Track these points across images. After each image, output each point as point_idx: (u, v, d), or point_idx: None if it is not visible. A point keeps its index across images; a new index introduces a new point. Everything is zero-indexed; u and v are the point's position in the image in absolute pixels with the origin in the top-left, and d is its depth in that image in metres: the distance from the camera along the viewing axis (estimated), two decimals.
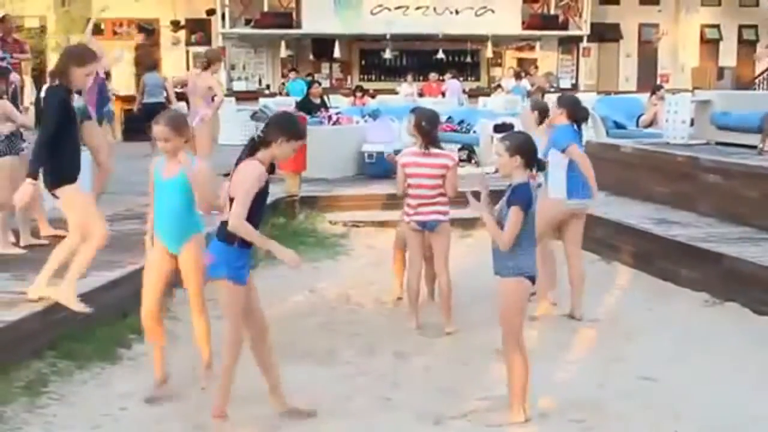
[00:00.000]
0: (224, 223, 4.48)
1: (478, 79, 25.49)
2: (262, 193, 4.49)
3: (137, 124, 18.06)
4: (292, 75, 19.51)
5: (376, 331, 6.54)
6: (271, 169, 4.59)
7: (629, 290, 7.74)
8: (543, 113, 7.17)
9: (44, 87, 8.78)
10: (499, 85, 21.87)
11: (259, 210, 4.50)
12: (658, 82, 21.16)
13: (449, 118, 13.84)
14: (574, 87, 23.82)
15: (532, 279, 4.78)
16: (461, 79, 24.41)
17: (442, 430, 4.80)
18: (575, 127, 6.86)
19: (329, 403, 5.11)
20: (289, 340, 6.25)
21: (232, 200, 4.45)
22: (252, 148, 4.54)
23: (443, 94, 19.92)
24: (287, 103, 17.36)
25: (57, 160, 5.56)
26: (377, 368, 5.76)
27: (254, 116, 15.82)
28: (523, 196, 4.62)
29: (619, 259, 8.56)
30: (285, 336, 6.33)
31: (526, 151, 4.68)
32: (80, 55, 5.63)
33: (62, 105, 5.55)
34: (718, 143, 10.94)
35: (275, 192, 10.96)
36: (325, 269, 8.49)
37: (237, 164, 4.57)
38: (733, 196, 8.71)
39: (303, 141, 4.66)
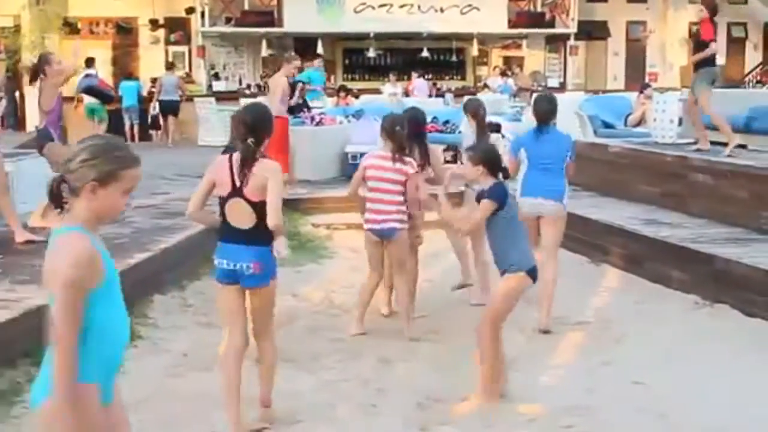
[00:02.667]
0: (257, 228, 4.44)
1: (463, 78, 25.38)
2: None
3: (118, 126, 17.95)
4: (316, 62, 18.86)
5: (359, 335, 6.42)
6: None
7: (619, 292, 7.65)
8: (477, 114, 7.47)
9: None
10: (485, 85, 21.80)
11: None
12: (647, 80, 21.08)
13: (434, 118, 13.74)
14: (562, 86, 23.74)
15: (534, 272, 5.05)
16: (446, 77, 24.38)
17: None
18: (540, 128, 6.81)
19: (313, 409, 5.04)
20: None
21: (257, 203, 4.42)
22: (252, 151, 4.48)
23: (407, 94, 19.79)
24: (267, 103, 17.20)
25: None
26: (361, 374, 5.66)
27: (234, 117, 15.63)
28: (495, 193, 5.01)
29: (607, 260, 8.47)
30: None
31: (488, 160, 5.12)
32: None
33: None
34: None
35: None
36: (308, 273, 8.37)
37: (242, 167, 4.48)
38: (722, 196, 8.63)
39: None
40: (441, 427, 4.81)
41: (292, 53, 12.73)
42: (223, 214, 4.55)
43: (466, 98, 8.75)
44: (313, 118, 13.50)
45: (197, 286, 7.66)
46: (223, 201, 4.54)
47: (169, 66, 20.41)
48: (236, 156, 4.51)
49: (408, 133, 6.43)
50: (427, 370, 5.75)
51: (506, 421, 4.85)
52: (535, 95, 10.97)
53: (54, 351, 2.55)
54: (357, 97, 19.00)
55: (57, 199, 2.71)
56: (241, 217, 4.48)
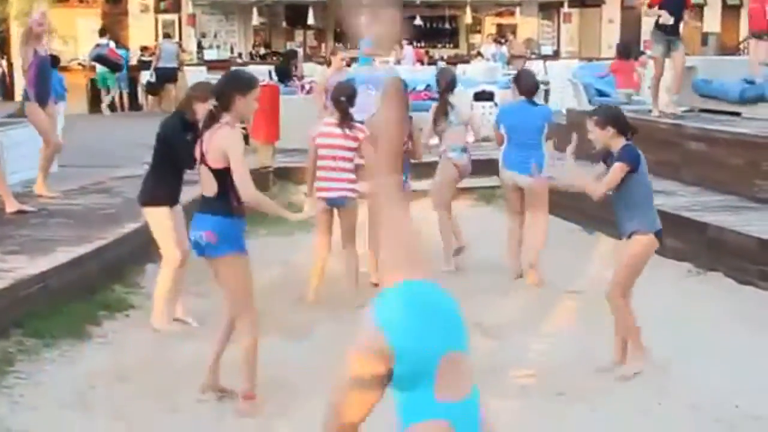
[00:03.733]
0: (218, 197, 4.37)
1: (457, 46, 25.21)
2: None
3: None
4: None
5: (351, 303, 6.40)
6: None
7: (612, 261, 7.62)
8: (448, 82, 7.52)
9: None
10: (478, 52, 21.65)
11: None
12: (641, 48, 20.96)
13: (428, 86, 13.65)
14: (556, 54, 23.62)
15: (660, 234, 5.01)
16: (439, 45, 24.20)
17: None
18: (528, 101, 7.11)
19: (305, 377, 5.02)
20: (262, 314, 6.11)
21: (218, 170, 4.34)
22: (212, 118, 4.43)
23: (399, 63, 19.66)
24: (261, 73, 17.08)
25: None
26: (353, 340, 5.62)
27: None
28: (629, 155, 4.90)
29: (601, 229, 8.44)
30: (259, 310, 6.21)
31: (616, 121, 4.99)
32: None
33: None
34: (701, 110, 10.82)
35: (248, 163, 10.81)
36: (300, 242, 8.32)
37: (199, 136, 4.45)
38: (717, 164, 8.61)
39: (258, 88, 4.54)
40: None
41: (338, 45, 12.50)
42: None
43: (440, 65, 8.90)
44: (303, 87, 13.41)
45: (191, 255, 7.63)
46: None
47: (167, 35, 20.48)
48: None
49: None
50: None
51: (499, 387, 4.85)
52: (531, 63, 10.97)
53: None
54: (349, 65, 18.85)
55: None
56: (205, 184, 4.44)
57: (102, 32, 18.85)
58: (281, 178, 10.37)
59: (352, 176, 6.36)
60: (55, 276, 5.84)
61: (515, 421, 4.49)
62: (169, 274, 5.78)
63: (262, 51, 23.21)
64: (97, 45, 18.23)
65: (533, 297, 6.52)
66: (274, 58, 21.58)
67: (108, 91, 18.39)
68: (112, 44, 18.89)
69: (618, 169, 4.90)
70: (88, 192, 8.50)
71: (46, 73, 8.23)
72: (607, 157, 5.07)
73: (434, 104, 7.55)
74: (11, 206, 7.65)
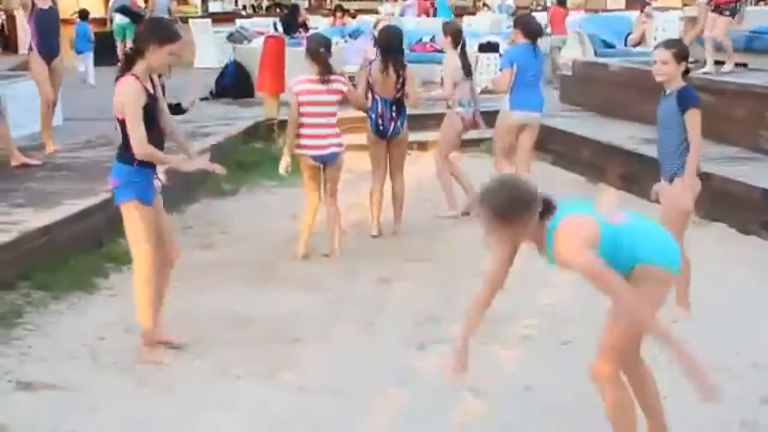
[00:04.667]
0: (122, 145, 4.36)
1: None
2: (150, 108, 4.35)
3: (108, 48, 17.80)
4: None
5: (358, 256, 6.45)
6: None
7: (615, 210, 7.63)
8: (456, 36, 7.49)
9: None
10: (484, 4, 21.45)
11: (153, 127, 4.36)
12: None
13: (433, 38, 13.56)
14: (561, 4, 23.31)
15: (701, 177, 4.95)
16: None
17: (427, 355, 4.74)
18: (532, 44, 7.29)
19: (312, 328, 5.08)
20: (270, 266, 6.20)
21: (120, 120, 4.31)
22: (128, 62, 4.35)
23: (403, 14, 19.51)
24: (265, 24, 16.98)
25: None
26: (360, 293, 5.70)
27: (231, 37, 15.45)
28: (695, 98, 4.81)
29: (605, 180, 8.45)
30: (266, 262, 6.28)
31: (687, 57, 4.90)
32: None
33: None
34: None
35: (253, 115, 10.81)
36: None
37: (115, 81, 4.39)
38: (721, 116, 8.54)
39: (176, 44, 4.38)
40: (438, 345, 4.84)
41: None
42: None
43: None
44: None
45: (196, 208, 7.68)
46: None
47: None
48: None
49: (380, 50, 6.75)
50: (424, 289, 5.78)
51: (504, 336, 4.89)
52: (536, 15, 10.89)
53: None
54: (354, 17, 18.71)
55: None
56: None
57: None
58: (285, 130, 10.34)
59: (338, 130, 6.35)
60: (62, 229, 5.86)
61: (519, 369, 4.56)
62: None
63: (266, 3, 23.02)
64: None
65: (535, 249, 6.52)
66: (277, 10, 21.43)
67: (125, 43, 18.32)
68: None
69: (696, 114, 4.81)
70: (93, 145, 8.50)
71: (48, 26, 8.17)
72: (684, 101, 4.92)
73: (450, 58, 7.41)
74: (16, 160, 7.67)
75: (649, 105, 9.54)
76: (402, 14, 19.62)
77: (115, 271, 5.97)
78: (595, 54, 13.48)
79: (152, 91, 4.39)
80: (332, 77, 6.25)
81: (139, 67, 4.32)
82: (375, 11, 20.21)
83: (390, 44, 6.80)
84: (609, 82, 10.59)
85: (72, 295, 5.49)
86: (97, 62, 15.97)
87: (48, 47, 8.16)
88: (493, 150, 7.81)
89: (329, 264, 6.31)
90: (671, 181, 4.99)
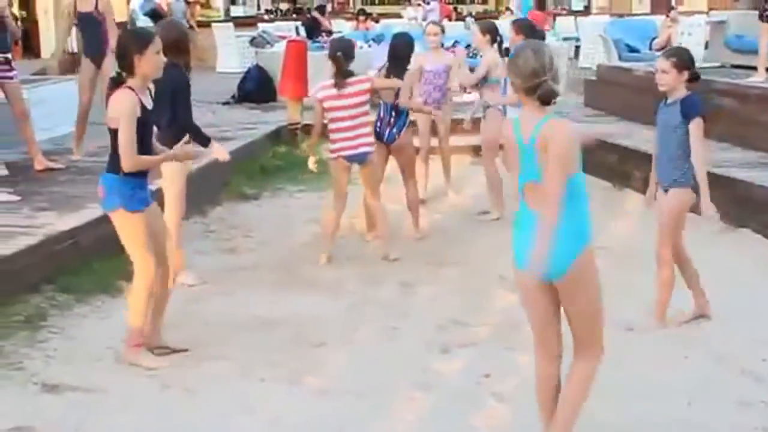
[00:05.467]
0: (112, 156, 4.37)
1: (485, 2, 24.94)
2: (145, 121, 4.36)
3: None
4: None
5: (381, 260, 6.43)
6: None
7: (641, 217, 7.55)
8: (493, 35, 7.36)
9: None
10: (507, 8, 21.40)
11: (145, 138, 4.39)
12: (673, 3, 20.59)
13: (455, 42, 13.53)
14: (586, 9, 23.26)
15: (696, 189, 4.86)
16: (468, 1, 23.91)
17: (450, 359, 4.73)
18: None
19: (336, 333, 5.08)
20: (293, 270, 6.20)
21: (112, 131, 4.31)
22: (116, 84, 4.36)
23: (425, 18, 19.49)
24: (287, 28, 17.03)
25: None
26: (383, 298, 5.69)
27: (253, 42, 15.50)
28: (699, 107, 4.75)
29: (630, 185, 8.38)
30: (289, 266, 6.29)
31: (691, 65, 4.81)
32: None
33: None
34: (733, 66, 10.65)
35: (276, 120, 10.84)
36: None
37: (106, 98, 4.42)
38: (747, 121, 8.48)
39: (155, 42, 4.37)
40: (462, 349, 4.84)
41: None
42: None
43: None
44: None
45: (218, 212, 7.70)
46: None
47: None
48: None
49: (388, 57, 6.72)
50: (448, 293, 5.77)
51: (523, 342, 4.85)
52: (562, 19, 10.82)
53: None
54: (377, 21, 18.73)
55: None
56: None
57: None
58: (309, 134, 10.35)
59: (367, 129, 6.33)
60: (86, 232, 5.89)
61: None
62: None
63: (285, 7, 23.08)
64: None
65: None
66: (294, 15, 21.52)
67: None
68: None
69: (701, 124, 4.75)
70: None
71: (86, 28, 8.22)
72: (658, 106, 4.93)
73: (491, 56, 7.33)
74: (40, 164, 7.74)
75: None
76: (424, 19, 19.61)
77: None
78: (620, 58, 13.41)
79: (148, 106, 4.40)
80: (351, 80, 6.23)
81: (134, 81, 4.33)
82: (398, 15, 20.21)
83: (394, 51, 6.82)
84: (634, 87, 10.52)
85: (96, 298, 5.51)
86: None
87: (87, 48, 8.21)
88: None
89: (352, 268, 6.30)
90: (667, 191, 4.93)
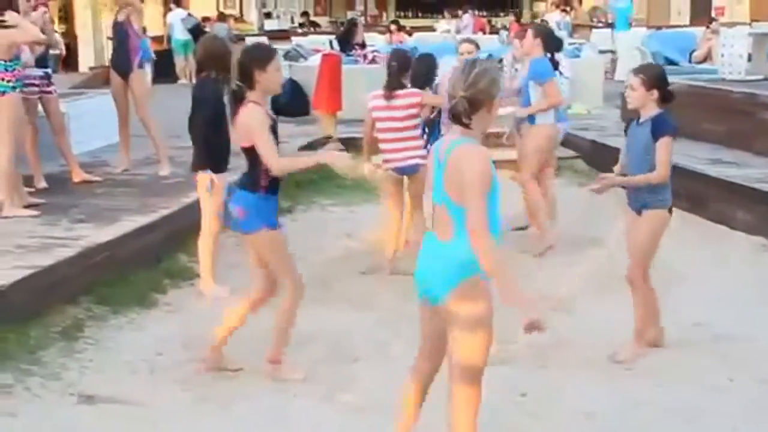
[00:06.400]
0: (249, 174, 4.38)
1: (520, 14, 24.88)
2: (274, 130, 4.39)
3: (166, 65, 18.21)
4: None
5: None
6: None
7: (680, 233, 7.36)
8: (547, 38, 7.04)
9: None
10: (543, 20, 21.32)
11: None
12: (713, 14, 20.37)
13: (489, 56, 13.48)
14: (518, 20, 23.06)
15: (671, 210, 4.78)
16: (502, 14, 23.89)
17: (486, 377, 4.56)
18: (550, 57, 6.93)
19: (368, 348, 5.07)
20: (327, 284, 6.18)
21: (246, 149, 4.33)
22: (238, 98, 4.40)
23: (459, 31, 19.49)
24: (320, 42, 17.07)
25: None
26: (416, 313, 5.61)
27: (287, 55, 15.57)
28: (668, 125, 4.62)
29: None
30: (323, 280, 6.26)
31: (662, 83, 4.67)
32: None
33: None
34: None
35: (310, 133, 10.85)
36: (364, 213, 8.33)
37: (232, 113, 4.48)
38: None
39: (275, 59, 4.44)
40: (498, 368, 4.75)
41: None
42: None
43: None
44: (365, 56, 13.36)
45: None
46: None
47: (221, 17, 20.60)
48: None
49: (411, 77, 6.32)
50: None
51: (562, 361, 4.80)
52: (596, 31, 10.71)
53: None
54: (410, 34, 18.75)
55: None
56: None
57: (177, 2, 19.84)
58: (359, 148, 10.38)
59: (416, 142, 6.28)
60: (122, 245, 5.95)
61: (580, 394, 4.46)
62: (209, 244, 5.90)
63: (304, 21, 23.20)
64: (189, 14, 19.26)
65: (596, 270, 6.42)
66: (314, 28, 21.68)
67: (186, 59, 18.70)
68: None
69: (669, 144, 4.61)
70: (151, 162, 8.60)
71: (116, 39, 8.32)
72: (629, 124, 4.82)
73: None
74: (77, 176, 7.84)
75: (715, 124, 9.47)
76: (458, 31, 19.62)
77: (173, 287, 6.04)
78: None
79: (273, 116, 4.47)
80: (401, 92, 6.19)
81: (254, 95, 4.35)
82: (431, 29, 20.23)
83: (414, 74, 6.45)
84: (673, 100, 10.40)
85: (131, 310, 5.55)
86: (155, 80, 16.27)
87: (120, 63, 8.29)
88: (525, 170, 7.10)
89: (385, 283, 6.27)
90: (639, 212, 4.79)
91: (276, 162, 4.27)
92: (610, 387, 4.53)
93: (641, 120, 4.71)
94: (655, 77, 4.68)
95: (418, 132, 6.31)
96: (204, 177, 5.73)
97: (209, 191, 5.70)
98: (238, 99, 4.39)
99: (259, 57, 4.39)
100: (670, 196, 4.76)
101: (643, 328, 4.86)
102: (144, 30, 16.86)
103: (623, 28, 17.08)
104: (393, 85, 6.18)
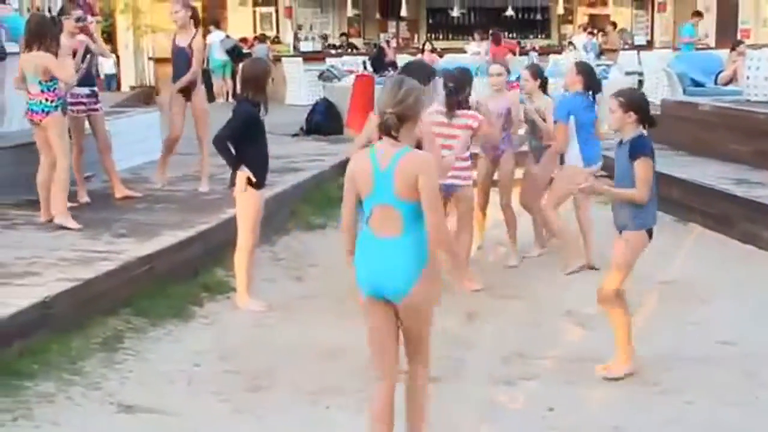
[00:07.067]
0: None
1: (548, 36, 24.94)
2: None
3: (204, 85, 18.45)
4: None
5: (447, 291, 6.46)
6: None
7: (707, 252, 7.52)
8: (588, 77, 6.96)
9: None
10: (570, 43, 21.38)
11: None
12: (739, 37, 20.32)
13: (519, 78, 13.58)
14: (650, 44, 23.12)
15: (651, 232, 4.78)
16: (531, 36, 24.00)
17: (514, 391, 4.76)
18: (589, 95, 6.85)
19: (402, 362, 5.08)
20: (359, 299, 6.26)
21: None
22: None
23: (488, 53, 19.57)
24: (355, 63, 17.29)
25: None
26: (449, 329, 5.72)
27: (321, 76, 15.79)
28: (644, 147, 4.68)
29: (696, 220, 8.32)
30: (356, 295, 6.35)
31: (641, 108, 4.73)
32: None
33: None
34: None
35: (343, 152, 10.98)
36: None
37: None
38: None
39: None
40: (526, 382, 4.85)
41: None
42: None
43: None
44: None
45: (286, 241, 7.84)
46: None
47: (261, 38, 20.92)
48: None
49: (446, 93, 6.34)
50: (514, 326, 5.80)
51: (589, 376, 4.87)
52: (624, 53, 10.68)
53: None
54: (441, 56, 18.90)
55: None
56: None
57: (217, 25, 20.38)
58: None
59: (464, 163, 6.35)
60: (161, 258, 6.08)
61: (608, 410, 4.52)
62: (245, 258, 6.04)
63: (343, 41, 23.39)
64: (227, 36, 19.76)
65: (629, 288, 6.47)
66: (352, 49, 21.88)
67: (225, 80, 19.20)
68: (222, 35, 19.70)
69: (646, 163, 4.64)
70: (190, 179, 8.79)
71: (178, 62, 8.50)
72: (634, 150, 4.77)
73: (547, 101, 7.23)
74: (119, 192, 8.03)
75: (741, 144, 9.52)
76: (487, 53, 19.72)
77: (210, 300, 6.16)
78: (684, 93, 13.31)
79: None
80: (459, 112, 6.27)
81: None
82: (462, 50, 20.34)
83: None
84: (699, 121, 10.46)
85: (169, 322, 5.67)
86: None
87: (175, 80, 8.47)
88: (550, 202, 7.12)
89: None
90: (620, 231, 4.82)
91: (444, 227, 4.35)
92: (638, 403, 4.57)
93: (623, 142, 4.80)
94: (632, 101, 4.75)
95: (466, 154, 6.38)
96: (242, 175, 5.83)
97: (244, 190, 5.84)
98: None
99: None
100: (652, 218, 4.79)
101: (623, 346, 4.86)
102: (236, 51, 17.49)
103: (688, 50, 17.08)
104: (453, 104, 6.26)
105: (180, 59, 8.43)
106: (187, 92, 8.38)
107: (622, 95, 4.81)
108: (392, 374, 3.74)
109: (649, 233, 4.78)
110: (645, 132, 4.80)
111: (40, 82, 6.77)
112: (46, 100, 6.79)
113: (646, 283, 6.54)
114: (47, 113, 6.79)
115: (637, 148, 4.68)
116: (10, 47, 8.35)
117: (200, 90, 8.51)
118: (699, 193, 8.43)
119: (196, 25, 8.57)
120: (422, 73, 5.72)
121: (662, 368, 4.97)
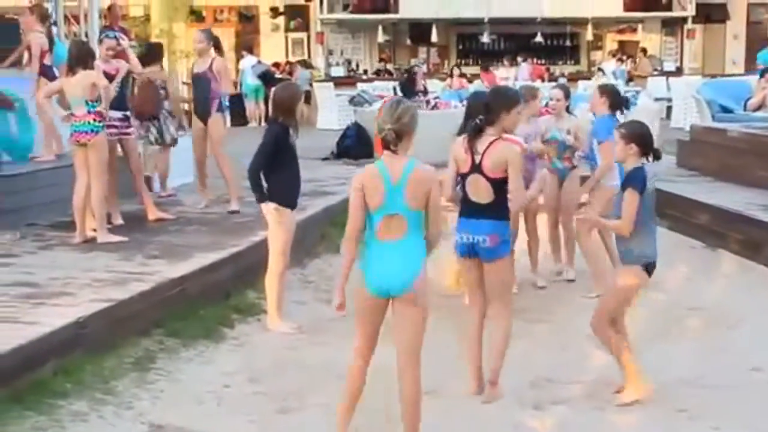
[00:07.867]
0: (497, 203, 4.72)
1: (577, 62, 24.97)
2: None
3: (238, 109, 18.83)
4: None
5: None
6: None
7: (735, 278, 7.49)
8: (613, 98, 6.98)
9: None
10: (599, 69, 21.41)
11: None
12: None
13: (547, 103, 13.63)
14: (679, 70, 23.09)
15: (653, 265, 4.78)
16: (560, 62, 24.07)
17: (543, 416, 4.77)
18: (616, 115, 6.89)
19: (429, 385, 5.07)
20: (387, 322, 6.20)
21: (496, 180, 4.70)
22: (478, 131, 4.79)
23: (516, 79, 19.67)
24: (386, 88, 17.42)
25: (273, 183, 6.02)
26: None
27: (352, 101, 15.95)
28: (636, 179, 4.70)
29: (724, 246, 8.29)
30: (385, 318, 6.39)
31: (642, 140, 4.79)
32: None
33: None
34: None
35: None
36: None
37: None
38: None
39: (520, 104, 4.97)
40: (554, 407, 4.86)
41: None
42: (463, 190, 4.86)
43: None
44: (428, 102, 13.67)
45: (317, 263, 7.90)
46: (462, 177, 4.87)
47: (304, 64, 21.68)
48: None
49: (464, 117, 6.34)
50: (540, 350, 5.80)
51: (618, 402, 4.87)
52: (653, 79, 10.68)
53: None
54: (471, 81, 19.02)
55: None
56: (481, 191, 4.76)
57: (250, 50, 21.31)
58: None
59: None
60: (193, 280, 6.17)
61: None
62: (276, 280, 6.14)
63: (381, 67, 23.61)
64: (259, 62, 20.42)
65: (652, 313, 6.47)
66: (386, 75, 22.08)
67: (258, 103, 19.67)
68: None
69: (631, 197, 4.66)
70: (221, 201, 8.91)
71: (197, 87, 8.72)
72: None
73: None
74: (152, 214, 8.16)
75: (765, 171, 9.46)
76: (516, 78, 19.81)
77: (241, 322, 6.22)
78: (713, 119, 13.30)
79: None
80: (474, 140, 6.25)
81: (493, 130, 4.78)
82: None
83: (469, 111, 6.36)
84: (727, 147, 10.44)
85: (200, 343, 5.73)
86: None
87: (200, 108, 8.67)
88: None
89: (444, 321, 6.35)
90: (622, 262, 4.85)
91: (522, 193, 4.88)
92: (667, 428, 4.58)
93: (625, 173, 4.87)
94: (633, 133, 4.81)
95: None
96: (266, 208, 5.98)
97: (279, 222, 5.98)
98: (477, 131, 4.81)
99: (508, 100, 4.90)
100: (651, 252, 4.77)
101: (630, 373, 4.86)
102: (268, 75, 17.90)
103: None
104: (470, 129, 6.29)
105: (198, 85, 8.63)
106: (205, 118, 8.52)
107: (625, 127, 4.94)
108: (366, 357, 4.28)
109: (649, 268, 4.76)
110: (648, 164, 4.84)
111: (86, 102, 6.96)
112: (94, 120, 7.01)
113: (674, 310, 6.55)
114: (96, 133, 7.02)
115: (629, 179, 4.75)
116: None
117: (216, 116, 8.62)
118: (727, 219, 8.41)
119: (219, 53, 8.70)
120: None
121: (690, 394, 4.97)
